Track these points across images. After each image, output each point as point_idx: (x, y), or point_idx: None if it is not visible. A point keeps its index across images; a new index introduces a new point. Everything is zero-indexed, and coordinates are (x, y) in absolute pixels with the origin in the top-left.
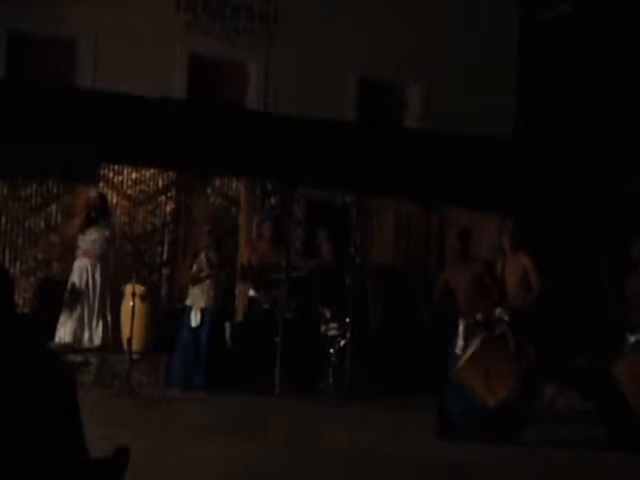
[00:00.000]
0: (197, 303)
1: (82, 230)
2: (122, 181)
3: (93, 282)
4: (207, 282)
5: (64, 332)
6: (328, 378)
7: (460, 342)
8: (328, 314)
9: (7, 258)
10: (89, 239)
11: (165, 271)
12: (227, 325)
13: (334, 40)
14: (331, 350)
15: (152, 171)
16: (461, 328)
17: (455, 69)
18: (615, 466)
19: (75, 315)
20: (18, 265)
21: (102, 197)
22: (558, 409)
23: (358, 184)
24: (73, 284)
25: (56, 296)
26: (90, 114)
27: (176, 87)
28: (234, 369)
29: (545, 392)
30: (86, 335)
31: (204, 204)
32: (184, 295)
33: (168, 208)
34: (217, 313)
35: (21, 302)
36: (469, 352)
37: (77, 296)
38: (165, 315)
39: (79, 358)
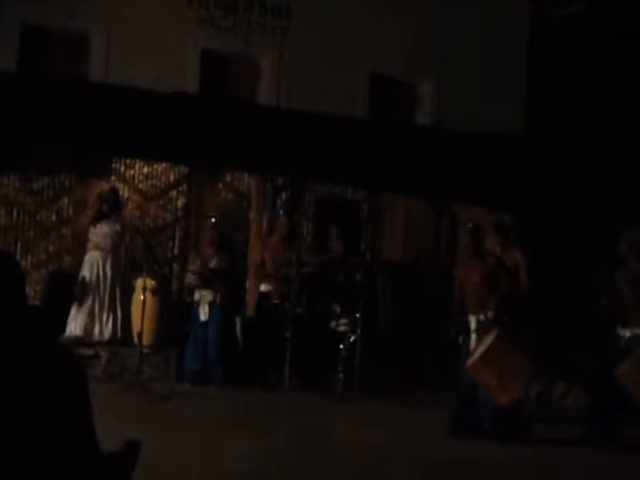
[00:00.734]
0: (205, 297)
1: (94, 223)
2: (134, 175)
3: (104, 275)
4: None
5: (75, 325)
6: (338, 374)
7: (472, 338)
8: (338, 310)
9: (19, 251)
10: (100, 232)
11: (176, 265)
12: (238, 320)
13: (346, 36)
14: (341, 346)
15: (164, 165)
16: (473, 324)
17: (467, 66)
18: (622, 465)
19: (86, 308)
20: (30, 258)
21: (114, 190)
22: (567, 407)
23: (369, 180)
24: (84, 277)
25: (67, 289)
26: (102, 108)
27: (188, 82)
28: (244, 364)
29: (554, 391)
30: (96, 329)
31: (215, 199)
32: (193, 291)
33: (179, 203)
34: (225, 307)
35: (32, 295)
36: (481, 349)
37: (88, 289)
38: (175, 309)
39: (89, 351)
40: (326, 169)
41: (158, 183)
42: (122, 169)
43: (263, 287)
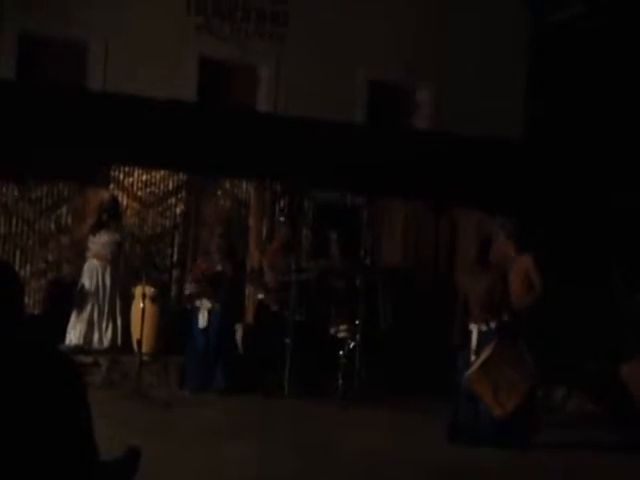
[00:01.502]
0: (204, 304)
1: (93, 232)
2: (132, 183)
3: (103, 284)
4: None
5: (74, 334)
6: (338, 380)
7: (472, 348)
8: (338, 316)
9: (18, 260)
10: (100, 241)
11: (175, 272)
12: (238, 327)
13: (344, 42)
14: (341, 352)
15: (162, 173)
16: (474, 334)
17: (466, 70)
18: (625, 469)
19: (85, 317)
20: (28, 267)
21: (114, 200)
22: (567, 412)
23: (368, 186)
24: (83, 286)
25: (66, 297)
26: (100, 116)
27: (186, 89)
28: (244, 371)
29: (555, 396)
30: (96, 337)
31: (214, 206)
32: (193, 297)
33: (178, 210)
34: (225, 314)
35: (31, 303)
36: (480, 360)
37: (87, 298)
38: (175, 317)
39: (89, 359)
40: (325, 175)
41: (157, 190)
42: (120, 177)
43: (261, 294)
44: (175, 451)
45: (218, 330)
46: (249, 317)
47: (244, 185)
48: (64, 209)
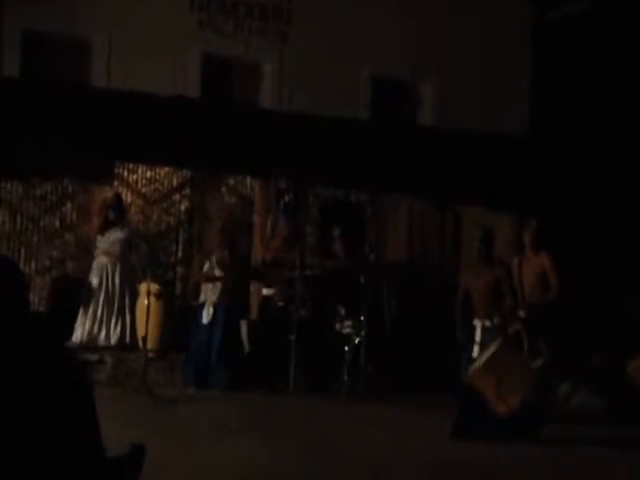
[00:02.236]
0: (209, 299)
1: (101, 232)
2: (137, 180)
3: (112, 282)
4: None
5: (81, 331)
6: (343, 376)
7: (476, 344)
8: (343, 312)
9: (23, 257)
10: (108, 239)
11: (180, 269)
12: (243, 323)
13: (348, 38)
14: (346, 348)
15: (166, 169)
16: (478, 330)
17: (470, 66)
18: (630, 464)
19: (92, 314)
20: (33, 264)
21: (118, 197)
22: (572, 407)
23: (372, 182)
24: (91, 283)
25: (71, 294)
26: (104, 113)
27: (190, 86)
28: (249, 367)
29: (560, 390)
30: (103, 334)
31: (218, 202)
32: (198, 293)
33: (182, 206)
34: (230, 310)
35: (36, 301)
36: (484, 357)
37: (95, 295)
38: (180, 313)
39: (95, 356)
40: (329, 171)
41: (161, 187)
42: (125, 174)
43: (266, 290)
44: (180, 448)
45: (223, 326)
46: (254, 313)
47: (248, 181)
48: (68, 206)
